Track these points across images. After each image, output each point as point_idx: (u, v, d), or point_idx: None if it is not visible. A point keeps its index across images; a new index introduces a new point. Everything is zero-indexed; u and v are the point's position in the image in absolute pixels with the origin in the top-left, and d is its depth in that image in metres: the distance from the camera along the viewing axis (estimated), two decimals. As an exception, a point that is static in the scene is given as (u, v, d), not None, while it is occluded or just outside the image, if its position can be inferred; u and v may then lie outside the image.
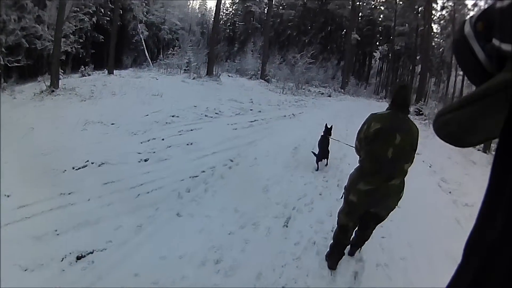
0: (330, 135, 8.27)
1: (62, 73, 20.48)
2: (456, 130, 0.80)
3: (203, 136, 9.77)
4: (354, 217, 3.79)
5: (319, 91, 29.24)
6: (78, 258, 4.10)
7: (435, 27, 37.08)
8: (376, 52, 47.46)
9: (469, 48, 0.82)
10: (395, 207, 3.66)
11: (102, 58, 31.14)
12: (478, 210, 0.73)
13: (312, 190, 6.74)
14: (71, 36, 26.31)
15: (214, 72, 24.84)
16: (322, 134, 8.28)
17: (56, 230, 4.65)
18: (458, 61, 0.89)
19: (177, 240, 4.53)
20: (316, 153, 8.15)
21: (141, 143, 8.82)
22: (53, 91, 14.95)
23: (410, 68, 41.91)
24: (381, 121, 3.49)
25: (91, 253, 4.21)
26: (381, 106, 26.36)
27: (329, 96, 28.08)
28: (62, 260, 4.03)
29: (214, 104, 14.34)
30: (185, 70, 25.55)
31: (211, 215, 5.31)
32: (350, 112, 18.10)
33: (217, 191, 6.34)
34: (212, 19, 53.61)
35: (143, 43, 35.43)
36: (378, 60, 49.77)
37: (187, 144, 8.95)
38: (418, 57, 39.10)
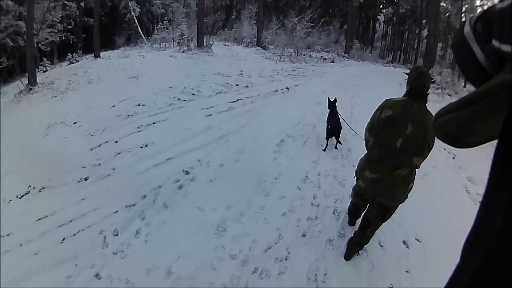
0: (336, 110, 7.17)
1: (49, 64, 20.66)
2: (455, 131, 0.76)
3: (164, 132, 7.79)
4: (362, 198, 3.97)
5: (321, 57, 26.63)
6: None
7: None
8: (380, 15, 44.85)
9: (469, 49, 0.80)
10: (404, 200, 3.46)
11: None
12: (477, 210, 0.72)
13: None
14: (58, 24, 26.25)
15: (205, 43, 22.35)
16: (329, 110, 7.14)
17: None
18: (457, 62, 0.88)
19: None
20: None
21: (91, 150, 7.18)
22: (31, 89, 14.42)
23: (416, 32, 40.29)
24: (394, 108, 3.30)
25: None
26: (388, 71, 25.82)
27: (332, 61, 25.31)
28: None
29: (195, 81, 12.24)
30: (178, 43, 23.35)
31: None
32: (356, 80, 15.79)
33: (151, 235, 4.52)
34: None
35: (135, 20, 33.69)
36: (383, 24, 47.41)
37: (141, 147, 6.99)
38: (424, 21, 37.63)
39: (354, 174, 3.83)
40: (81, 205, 5.30)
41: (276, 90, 11.88)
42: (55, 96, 12.23)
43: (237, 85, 12.23)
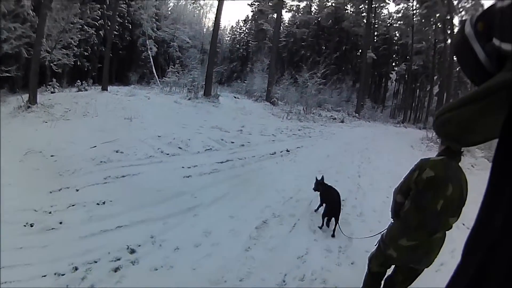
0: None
1: (58, 86, 20.47)
2: (456, 129, 0.79)
3: (130, 189, 6.61)
4: (388, 267, 3.55)
5: (331, 116, 25.72)
6: None
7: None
8: (392, 73, 45.07)
9: (470, 48, 0.80)
10: (433, 262, 3.18)
11: (109, 73, 29.35)
12: (478, 211, 0.72)
13: None
14: (75, 48, 26.24)
15: (212, 93, 21.66)
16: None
17: None
18: (458, 61, 0.89)
19: None
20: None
21: (50, 192, 6.21)
22: (29, 107, 13.91)
23: (427, 89, 40.33)
24: (435, 168, 3.02)
25: None
26: (399, 132, 24.72)
27: (342, 121, 24.37)
28: None
29: (188, 133, 11.25)
30: (188, 89, 22.90)
31: None
32: (366, 143, 14.60)
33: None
34: (226, 38, 53.55)
35: (151, 59, 33.69)
36: (395, 82, 47.40)
37: (97, 204, 5.84)
38: (435, 77, 37.76)
39: (378, 243, 3.48)
40: (16, 254, 4.31)
41: (275, 153, 10.52)
42: (46, 122, 11.49)
43: (232, 142, 11.00)
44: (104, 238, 4.78)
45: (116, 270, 4.06)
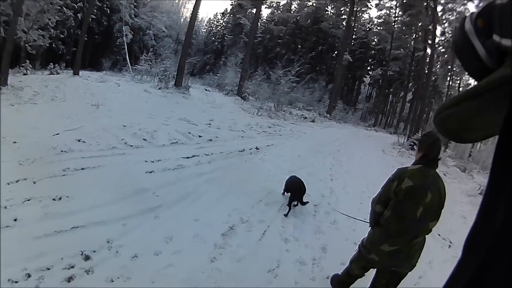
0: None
1: (30, 68, 19.81)
2: (455, 126, 0.78)
3: (88, 184, 5.80)
4: (368, 270, 3.63)
5: (302, 115, 25.41)
6: None
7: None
8: (366, 77, 45.29)
9: (470, 45, 0.78)
10: (415, 265, 3.23)
11: (83, 57, 28.90)
12: (478, 209, 0.69)
13: None
14: (52, 30, 25.26)
15: (183, 84, 21.23)
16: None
17: None
18: (459, 58, 0.85)
19: None
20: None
21: (8, 184, 5.39)
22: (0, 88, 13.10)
23: (401, 95, 41.20)
24: (413, 178, 3.02)
25: None
26: (370, 135, 24.82)
27: (313, 121, 24.08)
28: None
29: (154, 124, 10.63)
30: (160, 79, 22.42)
31: None
32: (337, 145, 14.34)
33: None
34: (203, 30, 52.90)
35: (125, 46, 33.01)
36: (368, 85, 47.98)
37: (53, 199, 5.07)
38: (410, 84, 38.59)
39: (359, 248, 3.56)
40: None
41: (243, 150, 9.91)
42: (13, 105, 10.65)
43: (199, 136, 10.36)
44: (58, 240, 4.19)
45: (69, 279, 3.51)
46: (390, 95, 43.41)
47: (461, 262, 0.69)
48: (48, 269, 3.59)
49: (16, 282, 3.43)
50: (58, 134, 8.21)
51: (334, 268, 4.20)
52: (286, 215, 5.70)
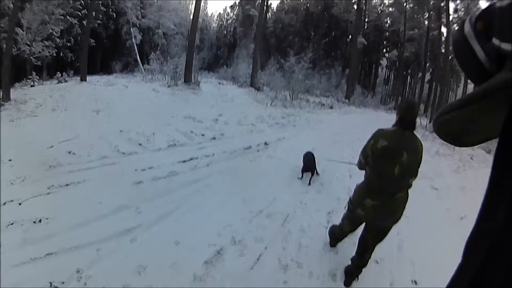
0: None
1: (37, 79, 19.78)
2: (456, 129, 0.78)
3: (68, 203, 5.16)
4: (357, 225, 3.77)
5: (319, 102, 23.98)
6: None
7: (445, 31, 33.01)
8: (382, 59, 44.10)
9: (469, 48, 0.78)
10: (400, 218, 3.37)
11: (94, 63, 29.76)
12: (479, 210, 0.70)
13: None
14: (57, 39, 25.31)
15: (192, 80, 20.57)
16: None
17: None
18: (458, 61, 0.86)
19: None
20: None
21: None
22: (2, 105, 12.90)
23: (419, 76, 39.96)
24: (388, 138, 3.25)
25: None
26: (391, 119, 22.61)
27: (331, 108, 22.74)
28: None
29: (155, 125, 9.91)
30: (171, 76, 21.64)
31: None
32: (356, 133, 12.33)
33: None
34: (214, 25, 52.06)
35: (135, 47, 32.41)
36: (385, 68, 46.39)
37: (34, 222, 4.59)
38: (427, 64, 37.30)
39: (347, 204, 3.77)
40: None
41: (250, 147, 8.83)
42: (12, 121, 10.28)
43: (202, 135, 9.44)
44: (32, 269, 3.67)
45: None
46: (408, 77, 42.24)
47: (464, 262, 0.69)
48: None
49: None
50: (52, 147, 7.78)
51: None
52: (300, 178, 6.66)
